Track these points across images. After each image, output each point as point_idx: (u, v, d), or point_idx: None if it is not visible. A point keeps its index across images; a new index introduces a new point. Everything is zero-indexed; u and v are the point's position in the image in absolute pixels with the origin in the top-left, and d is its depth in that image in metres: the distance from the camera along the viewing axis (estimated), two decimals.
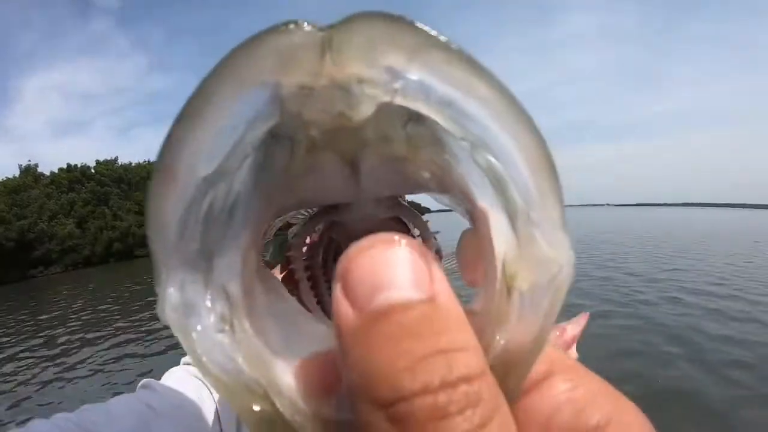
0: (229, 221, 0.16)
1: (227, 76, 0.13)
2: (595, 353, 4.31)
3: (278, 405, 0.14)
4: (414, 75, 0.13)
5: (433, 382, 0.11)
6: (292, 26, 0.12)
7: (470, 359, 0.11)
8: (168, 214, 0.14)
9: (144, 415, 0.50)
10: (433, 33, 0.13)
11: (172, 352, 6.22)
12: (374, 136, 0.17)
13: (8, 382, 5.80)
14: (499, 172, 0.15)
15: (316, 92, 0.14)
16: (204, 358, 0.14)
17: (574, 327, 0.50)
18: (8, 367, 6.45)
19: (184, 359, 0.64)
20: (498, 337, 0.14)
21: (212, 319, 0.14)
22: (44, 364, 6.36)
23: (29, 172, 29.21)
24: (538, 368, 0.15)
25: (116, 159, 33.59)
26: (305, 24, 0.12)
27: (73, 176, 30.78)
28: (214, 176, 0.14)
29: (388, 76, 0.13)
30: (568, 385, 0.15)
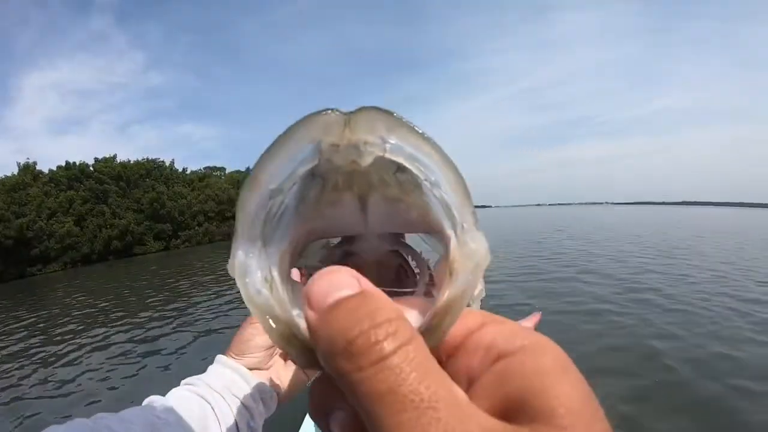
0: (277, 225, 0.24)
1: (293, 133, 0.21)
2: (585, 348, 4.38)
3: (293, 330, 0.21)
4: (393, 140, 0.22)
5: (365, 327, 0.17)
6: (330, 111, 0.21)
7: (388, 312, 0.18)
8: (249, 204, 0.22)
9: (153, 422, 0.54)
10: (404, 119, 0.21)
11: (168, 348, 6.27)
12: (376, 180, 0.25)
13: (6, 378, 5.85)
14: (446, 200, 0.23)
15: (340, 148, 0.22)
16: (250, 296, 0.21)
17: (527, 323, 0.53)
18: (6, 364, 6.50)
19: (183, 381, 0.67)
20: (442, 294, 0.21)
21: (259, 276, 0.22)
22: (42, 361, 6.41)
23: (28, 169, 29.05)
24: (476, 321, 0.22)
25: (115, 156, 33.40)
26: (337, 110, 0.21)
27: (71, 174, 30.68)
28: (275, 191, 0.23)
29: (380, 140, 0.22)
30: (499, 327, 0.21)
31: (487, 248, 0.22)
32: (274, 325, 0.21)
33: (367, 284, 0.19)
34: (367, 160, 0.22)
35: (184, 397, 0.62)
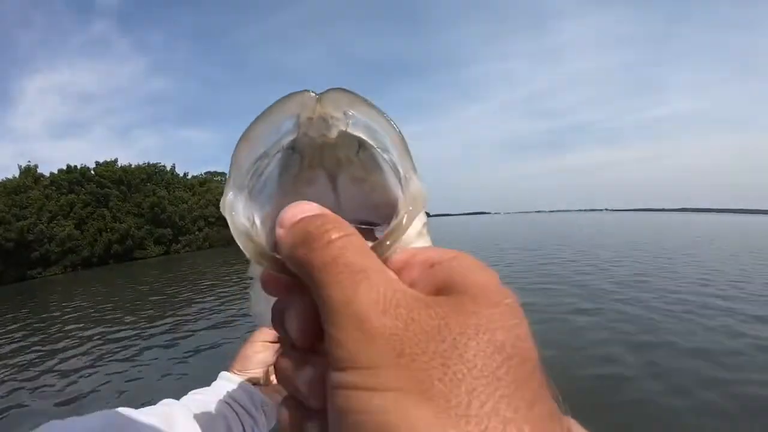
0: (262, 189, 0.29)
1: (277, 108, 0.26)
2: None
3: (266, 249, 0.25)
4: (352, 113, 0.27)
5: (318, 225, 0.22)
6: (306, 92, 0.25)
7: (337, 222, 0.22)
8: (242, 157, 0.26)
9: (167, 416, 0.59)
10: (361, 96, 0.26)
11: (168, 351, 6.27)
12: (343, 157, 0.30)
13: (5, 379, 5.86)
14: (393, 160, 0.28)
15: (313, 121, 0.27)
16: (235, 225, 0.25)
17: None
18: (5, 366, 6.51)
19: (191, 392, 0.72)
20: (392, 222, 0.26)
21: (243, 213, 0.27)
22: (41, 364, 6.41)
23: (29, 172, 29.16)
24: (416, 249, 0.26)
25: (116, 160, 33.46)
26: (311, 91, 0.25)
27: (72, 177, 30.73)
28: (262, 155, 0.27)
29: (343, 115, 0.27)
30: (436, 250, 0.25)
31: (422, 187, 0.27)
32: (251, 244, 0.25)
33: (326, 210, 0.23)
34: (333, 132, 0.27)
35: (194, 401, 0.68)
